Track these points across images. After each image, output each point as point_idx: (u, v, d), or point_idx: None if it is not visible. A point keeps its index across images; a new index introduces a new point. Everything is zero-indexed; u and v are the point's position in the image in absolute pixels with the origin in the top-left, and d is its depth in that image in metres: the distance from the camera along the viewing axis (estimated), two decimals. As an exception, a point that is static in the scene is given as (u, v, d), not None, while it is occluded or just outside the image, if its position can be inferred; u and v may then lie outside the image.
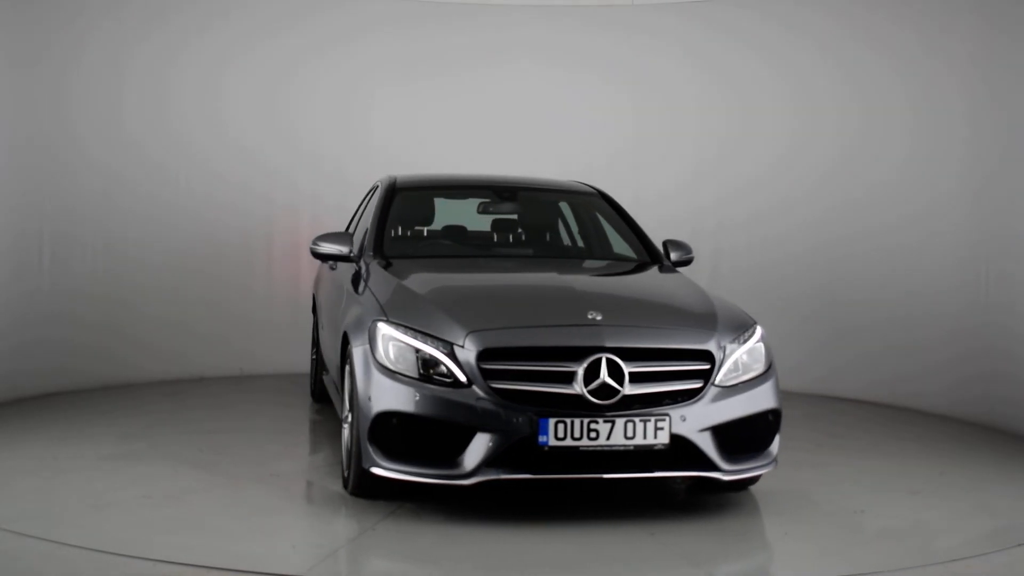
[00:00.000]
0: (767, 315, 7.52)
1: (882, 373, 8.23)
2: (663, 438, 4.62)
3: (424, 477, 4.67)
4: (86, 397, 7.75)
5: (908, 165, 8.13)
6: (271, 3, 9.07)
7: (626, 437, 4.57)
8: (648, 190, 9.08)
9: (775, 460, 5.08)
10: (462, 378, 4.62)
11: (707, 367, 4.80)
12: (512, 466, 4.58)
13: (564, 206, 6.99)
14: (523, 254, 6.67)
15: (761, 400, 4.95)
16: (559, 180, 7.17)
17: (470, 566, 4.29)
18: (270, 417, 7.32)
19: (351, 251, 5.93)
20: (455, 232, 6.83)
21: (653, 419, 4.60)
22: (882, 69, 8.29)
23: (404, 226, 6.61)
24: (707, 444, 4.71)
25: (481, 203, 6.87)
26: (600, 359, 4.60)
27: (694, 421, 4.68)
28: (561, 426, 4.53)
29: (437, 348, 4.70)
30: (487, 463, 4.56)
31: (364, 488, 5.00)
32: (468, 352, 4.64)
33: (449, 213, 7.13)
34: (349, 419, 5.12)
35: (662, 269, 6.04)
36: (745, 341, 5.01)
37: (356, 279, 5.74)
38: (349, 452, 5.10)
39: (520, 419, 4.53)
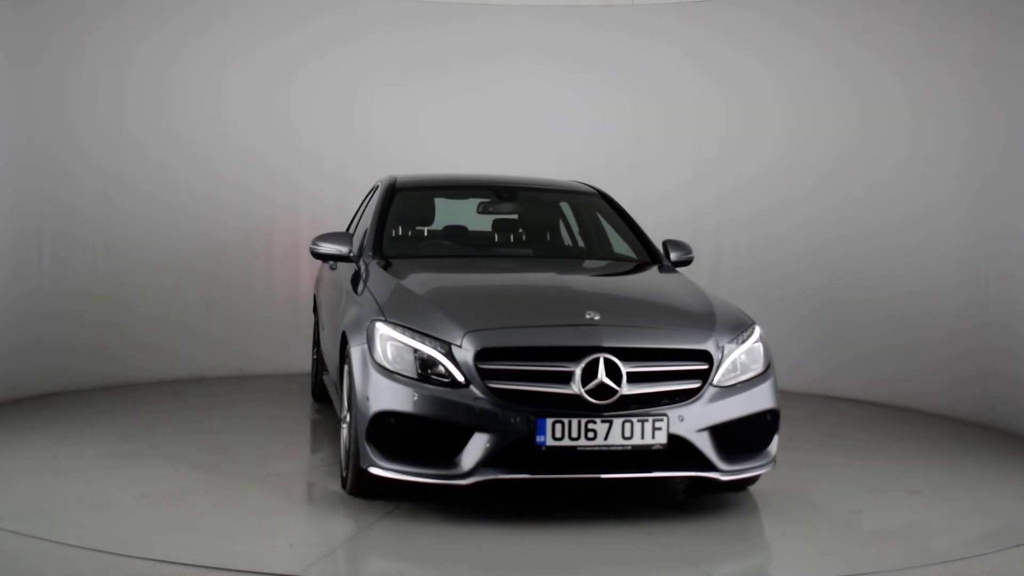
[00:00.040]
0: (767, 315, 7.53)
1: (882, 373, 8.22)
2: (661, 438, 4.61)
3: (422, 477, 4.67)
4: (86, 397, 7.76)
5: (908, 165, 8.13)
6: (271, 3, 9.07)
7: (624, 437, 4.57)
8: (648, 190, 9.08)
9: (773, 460, 5.07)
10: (460, 378, 4.62)
11: (705, 367, 4.80)
12: (510, 466, 4.58)
13: (565, 206, 6.99)
14: (523, 254, 6.68)
15: (759, 400, 4.94)
16: (559, 180, 7.17)
17: (467, 566, 4.29)
18: (270, 417, 7.32)
19: (351, 251, 5.94)
20: (456, 232, 6.83)
21: (651, 419, 4.60)
22: (882, 69, 8.29)
23: (404, 226, 6.61)
24: (705, 444, 4.71)
25: (481, 203, 6.88)
26: (598, 359, 4.60)
27: (692, 421, 4.68)
28: (559, 426, 4.53)
29: (435, 348, 4.70)
30: (485, 463, 4.56)
31: (362, 488, 5.00)
32: (466, 352, 4.64)
33: (450, 213, 7.13)
34: (348, 419, 5.12)
35: (662, 269, 6.04)
36: (743, 341, 5.01)
37: (355, 279, 5.74)
38: (347, 452, 5.10)
39: (518, 419, 4.53)
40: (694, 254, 6.36)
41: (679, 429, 4.65)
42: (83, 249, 8.16)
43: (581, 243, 6.83)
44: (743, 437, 4.89)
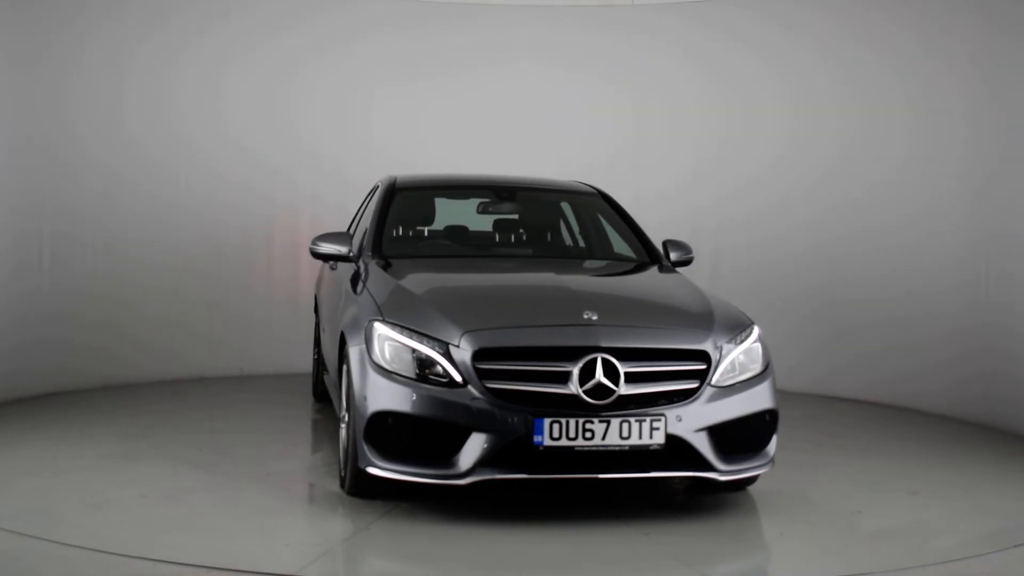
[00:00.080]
0: (767, 315, 7.53)
1: (882, 373, 8.22)
2: (658, 438, 4.61)
3: (419, 477, 4.67)
4: (86, 397, 7.76)
5: (908, 165, 8.12)
6: (271, 3, 9.08)
7: (621, 437, 4.57)
8: (648, 190, 9.08)
9: (772, 460, 5.07)
10: (457, 378, 4.62)
11: (703, 367, 4.80)
12: (507, 466, 4.58)
13: (565, 206, 6.98)
14: (522, 254, 6.67)
15: (758, 400, 4.94)
16: (559, 180, 7.17)
17: (465, 566, 4.29)
18: (270, 417, 7.32)
19: (350, 251, 5.94)
20: (457, 232, 6.83)
21: (648, 419, 4.60)
22: (882, 69, 8.29)
23: (404, 226, 6.61)
24: (703, 444, 4.71)
25: (480, 203, 6.87)
26: (595, 359, 4.60)
27: (690, 421, 4.67)
28: (556, 426, 4.53)
29: (433, 348, 4.70)
30: (482, 463, 4.56)
31: (360, 488, 5.00)
32: (463, 352, 4.64)
33: (450, 213, 7.13)
34: (346, 419, 5.12)
35: (661, 269, 6.04)
36: (742, 341, 5.00)
37: (355, 279, 5.75)
38: (346, 452, 5.10)
39: (515, 419, 4.53)
40: (694, 254, 6.35)
41: (677, 429, 4.64)
42: (83, 249, 8.17)
43: (582, 243, 6.82)
44: (741, 437, 4.89)
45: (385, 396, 4.69)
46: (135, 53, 8.48)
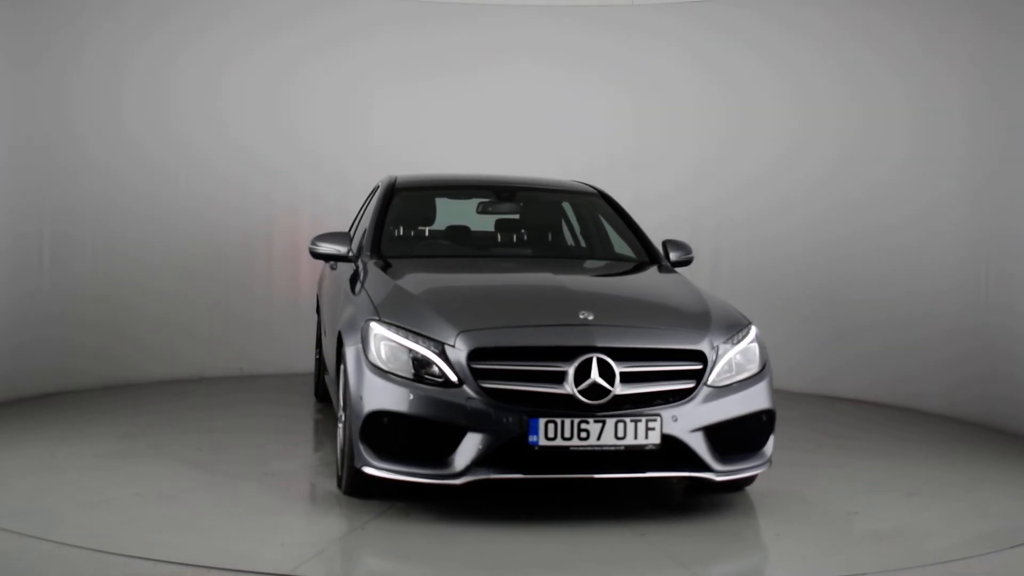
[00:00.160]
0: (767, 315, 7.55)
1: (882, 373, 8.21)
2: (654, 438, 4.61)
3: (415, 477, 4.67)
4: (86, 397, 7.77)
5: (908, 165, 8.12)
6: (271, 3, 9.08)
7: (617, 437, 4.57)
8: (648, 190, 9.07)
9: (769, 461, 5.06)
10: (453, 378, 4.62)
11: (699, 367, 4.79)
12: (502, 466, 4.58)
13: (566, 206, 6.98)
14: (521, 254, 6.67)
15: (755, 400, 4.93)
16: (559, 180, 7.17)
17: (460, 565, 4.29)
18: (270, 417, 7.33)
19: (349, 251, 5.94)
20: (458, 232, 6.83)
21: (644, 419, 4.59)
22: (882, 69, 8.28)
23: (405, 226, 6.62)
24: (699, 444, 4.70)
25: (480, 203, 6.87)
26: (591, 359, 4.60)
27: (686, 421, 4.67)
28: (551, 426, 4.52)
29: (428, 348, 4.70)
30: (477, 463, 4.56)
31: (357, 487, 5.00)
32: (459, 352, 4.64)
33: (451, 213, 7.13)
34: (343, 418, 5.12)
35: (661, 269, 6.03)
36: (739, 341, 4.99)
37: (353, 279, 5.75)
38: (342, 451, 5.10)
39: (510, 419, 4.53)
40: (694, 254, 6.35)
41: (673, 429, 4.64)
42: (83, 249, 8.17)
43: (582, 243, 6.82)
44: (738, 437, 4.88)
45: (381, 396, 4.69)
46: (135, 53, 8.49)
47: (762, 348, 5.11)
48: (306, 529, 4.77)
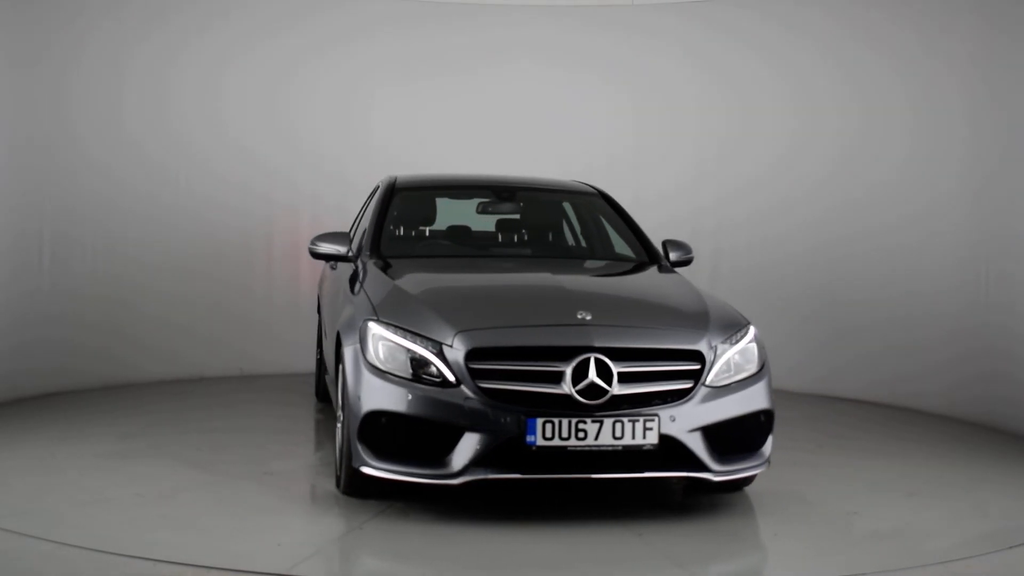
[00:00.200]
0: (767, 315, 7.55)
1: (882, 373, 8.20)
2: (652, 438, 4.60)
3: (413, 476, 4.67)
4: (86, 397, 7.77)
5: (908, 165, 8.11)
6: (271, 3, 9.08)
7: (614, 437, 4.56)
8: (648, 190, 9.07)
9: (768, 461, 5.06)
10: (451, 378, 4.62)
11: (697, 367, 4.79)
12: (500, 466, 4.58)
13: (567, 206, 6.98)
14: (521, 254, 6.67)
15: (753, 400, 4.92)
16: (559, 180, 7.17)
17: (457, 565, 4.29)
18: (271, 417, 7.34)
19: (348, 251, 5.94)
20: (459, 232, 6.83)
21: (642, 419, 4.59)
22: (882, 69, 8.27)
23: (406, 226, 6.62)
24: (697, 444, 4.69)
25: (480, 203, 6.87)
26: (588, 359, 4.59)
27: (684, 421, 4.66)
28: (549, 426, 4.52)
29: (426, 348, 4.70)
30: (475, 463, 4.55)
31: (355, 487, 5.00)
32: (456, 352, 4.64)
33: (451, 213, 7.13)
34: (342, 418, 5.12)
35: (660, 269, 6.02)
36: (737, 341, 4.99)
37: (353, 279, 5.75)
38: (341, 451, 5.10)
39: (508, 419, 4.53)
40: (694, 254, 6.34)
41: (670, 429, 4.64)
42: (83, 249, 8.18)
43: (583, 243, 6.81)
44: (736, 437, 4.88)
45: (379, 396, 4.68)
46: (135, 53, 8.50)
47: (761, 348, 5.10)
48: (304, 529, 4.77)
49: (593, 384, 4.58)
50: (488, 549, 4.45)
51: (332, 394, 6.44)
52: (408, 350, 4.72)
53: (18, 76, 7.64)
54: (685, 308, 5.18)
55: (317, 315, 7.96)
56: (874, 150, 8.33)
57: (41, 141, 7.83)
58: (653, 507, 5.17)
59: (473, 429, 4.55)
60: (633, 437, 4.58)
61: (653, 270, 6.01)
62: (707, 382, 4.79)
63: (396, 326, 4.81)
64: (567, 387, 4.57)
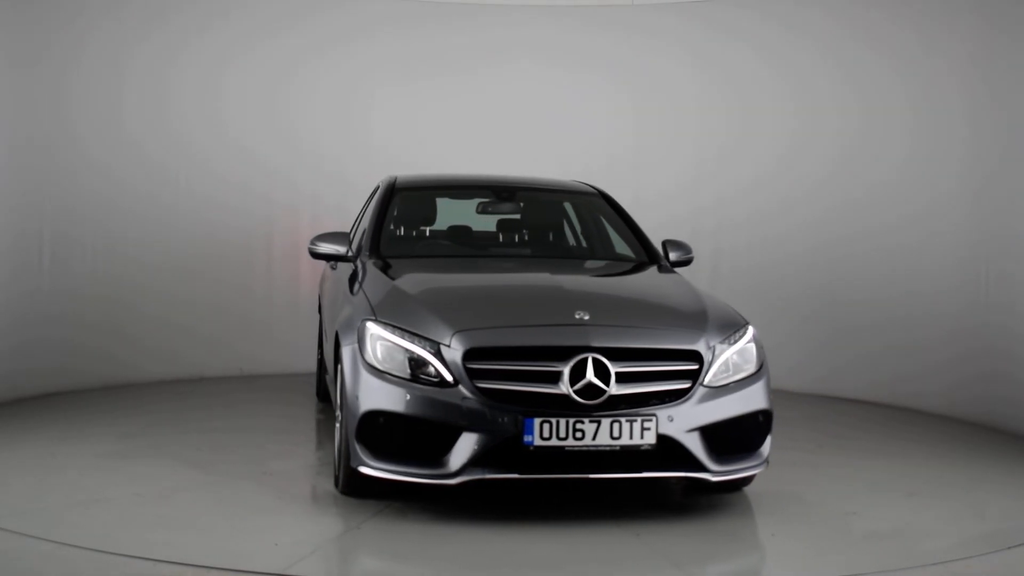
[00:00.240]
0: (767, 315, 7.55)
1: (882, 373, 8.20)
2: (649, 438, 4.60)
3: (410, 476, 4.67)
4: (86, 397, 7.77)
5: (908, 165, 8.11)
6: (271, 3, 9.09)
7: (612, 437, 4.56)
8: (648, 190, 9.07)
9: (766, 461, 5.05)
10: (448, 378, 4.62)
11: (695, 367, 4.78)
12: (498, 466, 4.57)
13: (568, 206, 6.98)
14: (521, 254, 6.67)
15: (751, 400, 4.92)
16: (559, 180, 7.17)
17: (455, 565, 4.29)
18: (271, 417, 7.33)
19: (348, 251, 5.95)
20: (460, 232, 6.83)
21: (640, 419, 4.59)
22: (882, 69, 8.27)
23: (406, 226, 6.62)
24: (695, 445, 4.69)
25: (480, 203, 6.87)
26: (586, 359, 4.59)
27: (681, 421, 4.66)
28: (546, 426, 4.52)
29: (424, 348, 4.70)
30: (473, 463, 4.55)
31: (353, 487, 5.01)
32: (454, 352, 4.64)
33: (451, 213, 7.13)
34: (340, 418, 5.12)
35: (660, 269, 6.02)
36: (735, 341, 4.98)
37: (352, 279, 5.75)
38: (339, 451, 5.10)
39: (506, 419, 4.52)
40: (694, 254, 6.33)
41: (668, 429, 4.63)
42: (83, 249, 8.18)
43: (584, 243, 6.81)
44: (734, 438, 4.87)
45: (377, 396, 4.69)
46: (135, 53, 8.50)
47: (759, 348, 5.09)
48: (302, 528, 4.76)
49: (591, 384, 4.57)
50: (486, 549, 4.45)
51: (332, 394, 6.44)
52: (406, 350, 4.72)
53: (18, 76, 7.64)
54: (683, 308, 5.17)
55: (318, 315, 7.96)
56: (874, 150, 8.32)
57: (41, 141, 7.84)
58: (651, 507, 5.17)
59: (471, 429, 4.55)
60: (631, 437, 4.57)
61: (652, 270, 6.01)
62: (705, 382, 4.79)
63: (394, 326, 4.81)
64: (565, 387, 4.57)
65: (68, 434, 6.50)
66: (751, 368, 4.99)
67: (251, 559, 4.22)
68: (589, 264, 6.40)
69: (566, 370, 4.58)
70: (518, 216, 6.93)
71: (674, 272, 6.00)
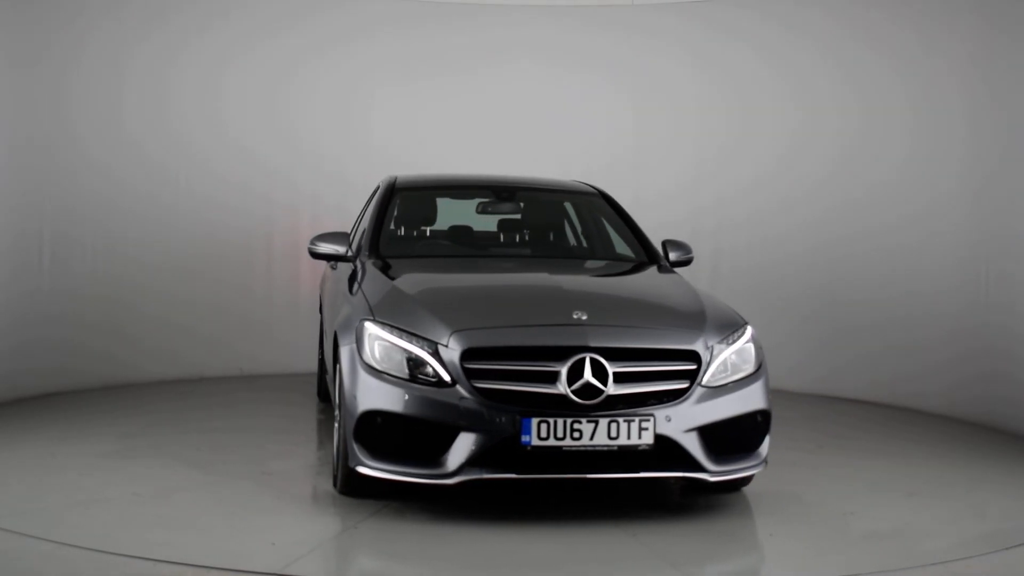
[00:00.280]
0: (767, 315, 7.55)
1: (882, 373, 8.20)
2: (647, 438, 4.60)
3: (408, 476, 4.67)
4: (86, 397, 7.78)
5: (908, 165, 8.10)
6: (271, 3, 9.09)
7: (610, 437, 4.56)
8: (648, 190, 9.07)
9: (765, 461, 5.05)
10: (446, 378, 4.62)
11: (693, 367, 4.78)
12: (495, 466, 4.57)
13: (568, 206, 6.97)
14: (521, 254, 6.67)
15: (750, 401, 4.91)
16: (559, 180, 7.17)
17: (453, 565, 4.29)
18: (271, 417, 7.34)
19: (348, 251, 5.95)
20: (461, 232, 6.83)
21: (637, 419, 4.58)
22: (882, 69, 8.27)
23: (406, 226, 6.62)
24: (693, 445, 4.69)
25: (480, 203, 6.87)
26: (584, 359, 4.59)
27: (679, 421, 4.66)
28: (544, 426, 4.52)
29: (422, 348, 4.70)
30: (470, 463, 4.55)
31: (352, 487, 5.01)
32: (452, 352, 4.64)
33: (451, 213, 7.13)
34: (339, 418, 5.13)
35: (660, 269, 6.02)
36: (734, 341, 4.98)
37: (351, 279, 5.75)
38: (338, 451, 5.11)
39: (503, 419, 4.52)
40: (694, 254, 6.33)
41: (666, 429, 4.63)
42: (83, 249, 8.18)
43: (584, 243, 6.81)
44: (732, 438, 4.87)
45: (375, 395, 4.69)
46: (135, 53, 8.50)
47: (758, 348, 5.09)
48: (299, 528, 4.76)
49: (588, 384, 4.57)
50: (483, 549, 4.45)
51: (332, 394, 6.45)
52: (404, 350, 4.72)
53: (18, 76, 7.65)
54: (682, 308, 5.17)
55: (319, 315, 7.96)
56: (874, 150, 8.32)
57: (41, 141, 7.84)
58: (649, 507, 5.16)
59: (469, 429, 4.55)
60: (628, 437, 4.57)
61: (652, 270, 6.01)
62: (703, 382, 4.78)
63: (392, 326, 4.81)
64: (562, 387, 4.57)
65: (68, 434, 6.51)
66: (749, 368, 4.99)
67: (250, 559, 4.22)
68: (589, 264, 6.40)
69: (564, 370, 4.57)
70: (518, 216, 6.93)
71: (674, 272, 6.00)
